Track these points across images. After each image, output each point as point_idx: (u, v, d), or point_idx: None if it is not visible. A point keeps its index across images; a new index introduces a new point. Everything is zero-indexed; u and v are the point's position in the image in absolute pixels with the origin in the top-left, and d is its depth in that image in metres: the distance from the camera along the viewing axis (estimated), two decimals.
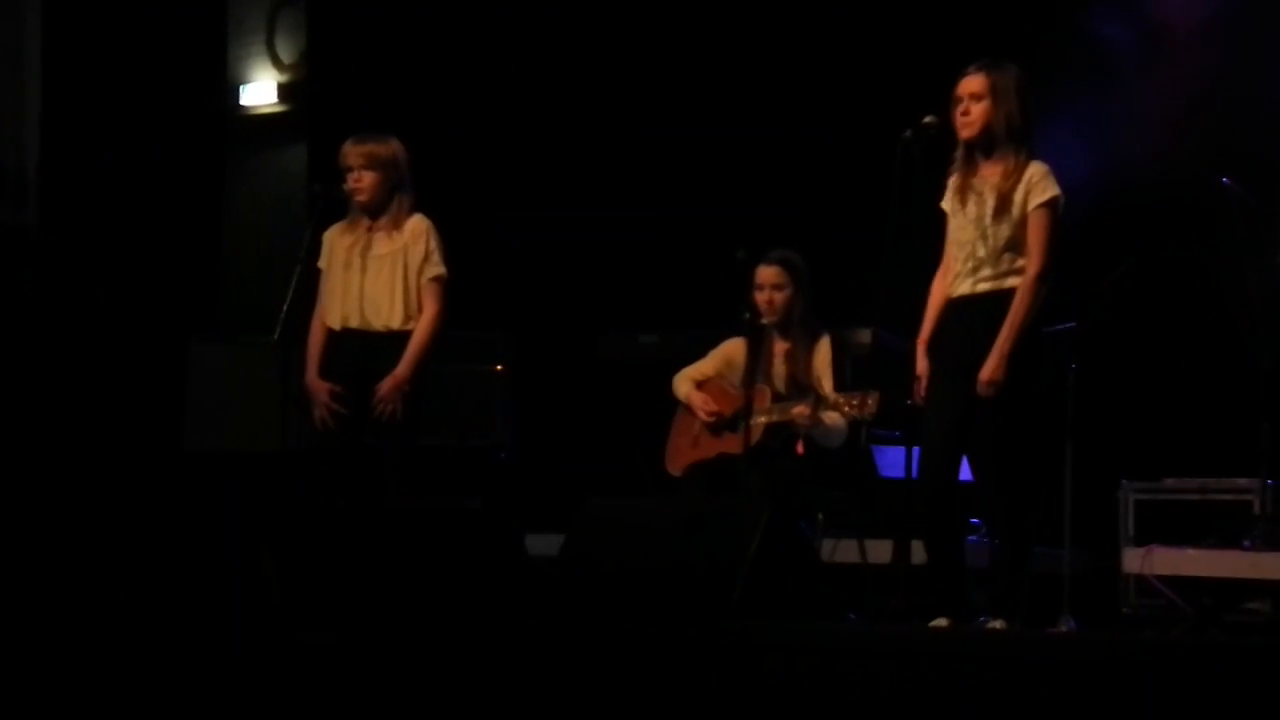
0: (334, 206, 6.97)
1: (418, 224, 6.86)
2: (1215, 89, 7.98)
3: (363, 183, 6.84)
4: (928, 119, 6.05)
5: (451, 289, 6.85)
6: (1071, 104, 7.84)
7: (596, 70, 9.44)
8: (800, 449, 6.96)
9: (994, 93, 5.94)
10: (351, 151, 6.88)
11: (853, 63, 8.81)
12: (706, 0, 9.20)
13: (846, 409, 6.73)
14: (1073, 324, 6.78)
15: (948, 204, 6.08)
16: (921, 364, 6.07)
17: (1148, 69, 8.12)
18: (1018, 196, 5.90)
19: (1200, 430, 7.64)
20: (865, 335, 7.72)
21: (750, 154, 9.05)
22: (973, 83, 5.97)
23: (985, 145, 5.98)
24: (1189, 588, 6.97)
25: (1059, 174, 5.99)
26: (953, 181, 6.06)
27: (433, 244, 6.83)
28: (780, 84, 9.03)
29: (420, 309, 6.81)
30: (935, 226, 6.11)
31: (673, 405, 7.33)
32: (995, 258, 5.93)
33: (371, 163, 6.85)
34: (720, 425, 7.15)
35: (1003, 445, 5.90)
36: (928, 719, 5.09)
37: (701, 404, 7.19)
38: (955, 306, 6.04)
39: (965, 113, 5.97)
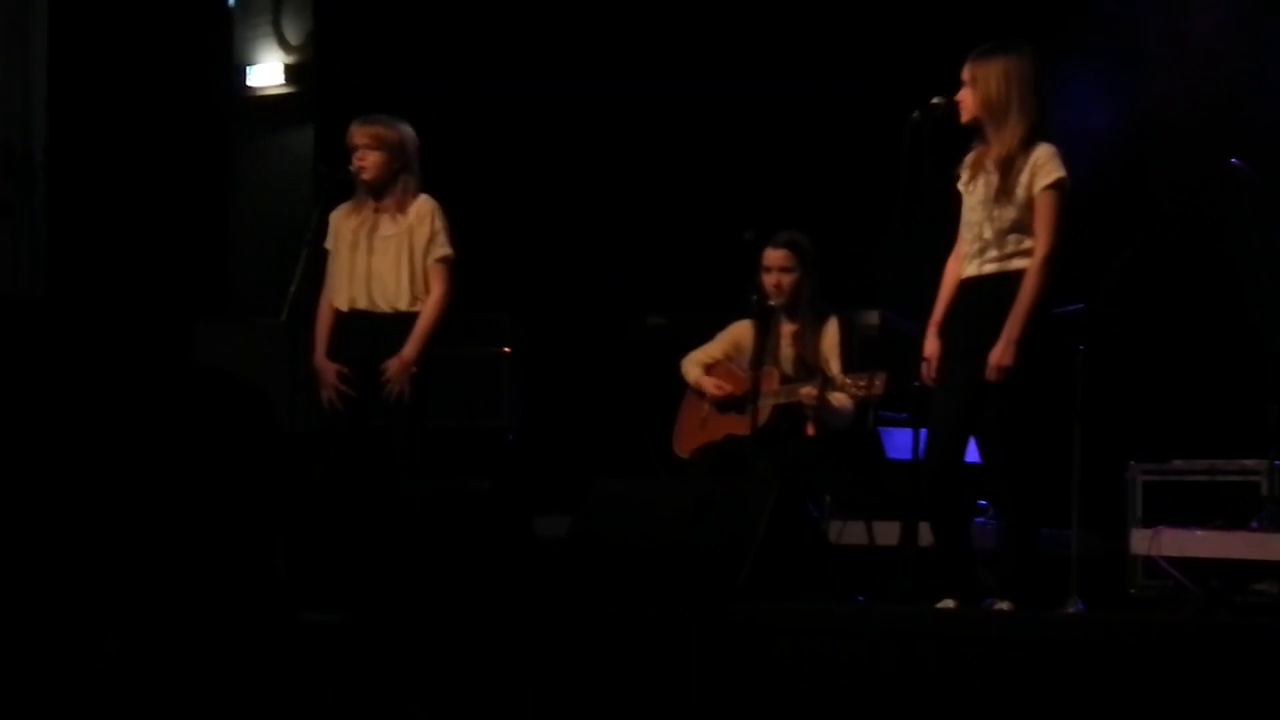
0: (341, 188, 6.97)
1: (423, 205, 6.87)
2: (1225, 77, 7.98)
3: (366, 162, 6.85)
4: (936, 100, 6.05)
5: (458, 270, 6.86)
6: (1089, 71, 7.87)
7: (604, 51, 9.42)
8: (810, 431, 6.95)
9: (974, 79, 5.95)
10: (358, 131, 6.89)
11: (862, 42, 8.79)
12: None
13: (854, 390, 6.73)
14: (1081, 306, 6.77)
15: (962, 183, 6.08)
16: (931, 345, 6.06)
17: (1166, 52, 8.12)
18: (1023, 178, 5.89)
19: (1208, 412, 7.64)
20: (873, 317, 7.72)
21: (758, 135, 9.04)
22: (963, 70, 6.00)
23: (980, 128, 5.99)
24: (1196, 569, 6.96)
25: (1074, 146, 6.00)
26: (968, 160, 6.07)
27: (439, 224, 6.84)
28: (788, 65, 9.01)
29: (427, 290, 6.82)
30: (944, 208, 6.11)
31: (681, 387, 7.32)
32: (1001, 239, 5.93)
33: (377, 143, 6.86)
34: (728, 406, 7.15)
35: (1011, 428, 5.89)
36: (935, 700, 5.09)
37: (713, 386, 7.18)
38: (964, 288, 6.04)
39: (960, 99, 6.00)
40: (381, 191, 6.89)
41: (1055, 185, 5.88)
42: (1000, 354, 5.84)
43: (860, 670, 5.22)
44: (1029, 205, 5.89)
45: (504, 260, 9.05)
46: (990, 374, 5.84)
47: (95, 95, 9.76)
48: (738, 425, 7.02)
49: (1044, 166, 5.89)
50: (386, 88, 8.91)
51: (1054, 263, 5.87)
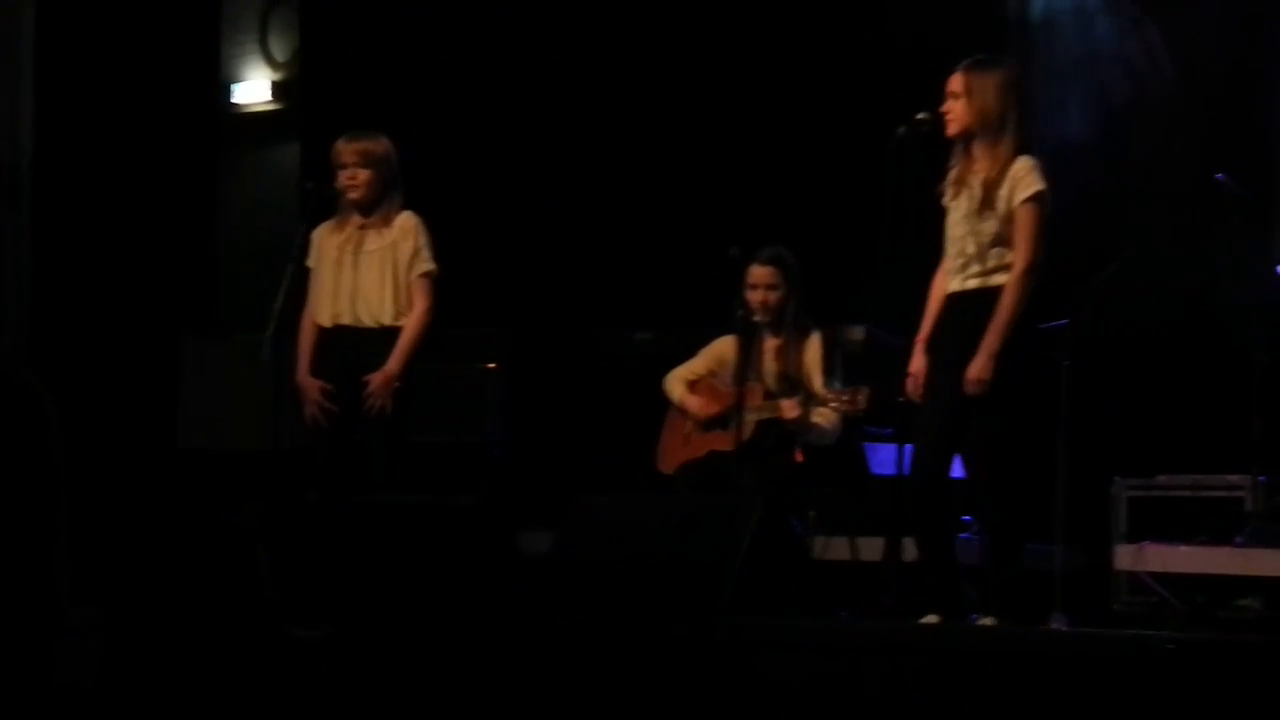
0: (326, 204, 6.97)
1: (406, 220, 6.88)
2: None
3: (357, 180, 6.85)
4: (920, 115, 6.06)
5: (442, 285, 6.87)
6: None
7: (590, 66, 9.43)
8: (800, 457, 6.95)
9: (969, 91, 5.95)
10: (346, 149, 6.89)
11: (848, 57, 8.80)
12: None
13: (836, 405, 6.73)
14: (1065, 321, 6.78)
15: (946, 198, 6.09)
16: (918, 361, 6.06)
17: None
18: (1003, 192, 5.90)
19: (1193, 427, 7.64)
20: (858, 332, 7.71)
21: (743, 150, 9.04)
22: (953, 81, 6.00)
23: (968, 141, 6.00)
24: (1181, 584, 6.96)
25: (1057, 160, 6.03)
26: (951, 176, 6.07)
27: (422, 240, 6.85)
28: (774, 80, 9.02)
29: (410, 305, 6.83)
30: (928, 223, 6.11)
31: (665, 403, 7.32)
32: (983, 254, 5.93)
33: (366, 160, 6.86)
34: (713, 423, 7.15)
35: (994, 442, 5.90)
36: (919, 716, 5.09)
37: (698, 408, 7.17)
38: (948, 303, 6.05)
39: (947, 110, 6.00)
40: (370, 208, 6.90)
41: (1035, 198, 5.88)
42: (978, 367, 5.84)
43: (844, 686, 5.22)
44: (1010, 218, 5.89)
45: (489, 276, 9.05)
46: (968, 387, 5.84)
47: (82, 110, 9.76)
48: (721, 441, 7.02)
49: (1024, 179, 5.89)
50: (372, 104, 8.91)
51: (1033, 276, 5.87)
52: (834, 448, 7.01)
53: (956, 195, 6.03)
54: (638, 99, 9.27)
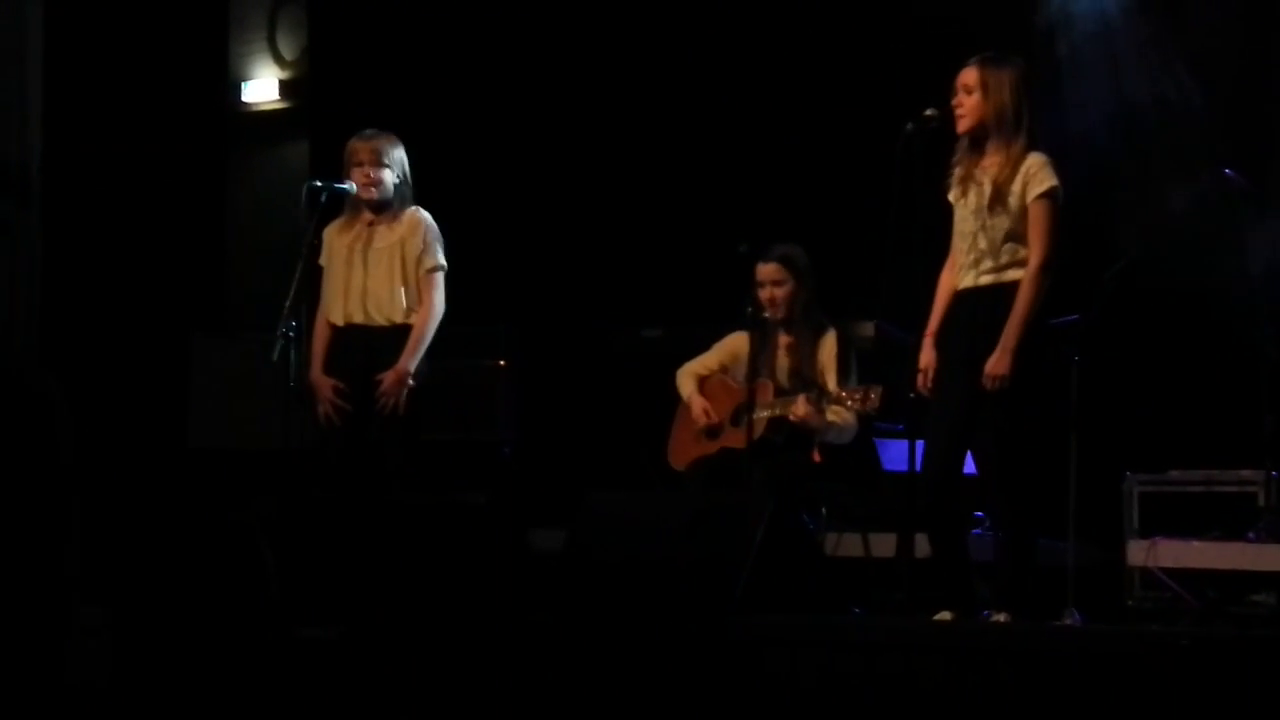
0: (332, 202, 6.97)
1: (414, 216, 6.89)
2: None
3: (374, 178, 6.86)
4: (929, 112, 6.04)
5: (452, 282, 6.88)
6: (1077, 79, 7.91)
7: (599, 63, 9.43)
8: (817, 457, 6.93)
9: (985, 86, 5.94)
10: (362, 147, 6.90)
11: (856, 54, 8.79)
12: None
13: (850, 403, 6.72)
14: (1076, 316, 6.77)
15: (952, 195, 6.08)
16: (927, 357, 6.05)
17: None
18: (1016, 187, 5.89)
19: (1205, 422, 7.63)
20: (868, 328, 7.70)
21: (753, 147, 9.03)
22: (966, 75, 5.99)
23: (980, 137, 5.98)
24: (1194, 580, 6.96)
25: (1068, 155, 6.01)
26: (956, 172, 6.06)
27: (430, 235, 6.87)
28: (783, 76, 9.01)
29: (420, 301, 6.83)
30: (937, 219, 6.10)
31: (676, 399, 7.31)
32: (996, 250, 5.92)
33: (382, 158, 6.88)
34: (716, 431, 7.13)
35: (1006, 438, 5.89)
36: (932, 713, 5.08)
37: (701, 410, 7.15)
38: (960, 299, 6.04)
39: (958, 105, 5.99)
40: (384, 206, 6.91)
41: (1048, 194, 5.88)
42: (996, 362, 5.83)
43: (857, 683, 5.21)
44: (1023, 214, 5.89)
45: (499, 273, 9.05)
46: (986, 382, 5.83)
47: (91, 110, 9.76)
48: (733, 438, 7.00)
49: (1036, 175, 5.89)
50: (381, 102, 8.92)
51: (1048, 271, 5.87)
52: (846, 444, 7.00)
53: (965, 192, 6.02)
54: (648, 94, 9.26)
